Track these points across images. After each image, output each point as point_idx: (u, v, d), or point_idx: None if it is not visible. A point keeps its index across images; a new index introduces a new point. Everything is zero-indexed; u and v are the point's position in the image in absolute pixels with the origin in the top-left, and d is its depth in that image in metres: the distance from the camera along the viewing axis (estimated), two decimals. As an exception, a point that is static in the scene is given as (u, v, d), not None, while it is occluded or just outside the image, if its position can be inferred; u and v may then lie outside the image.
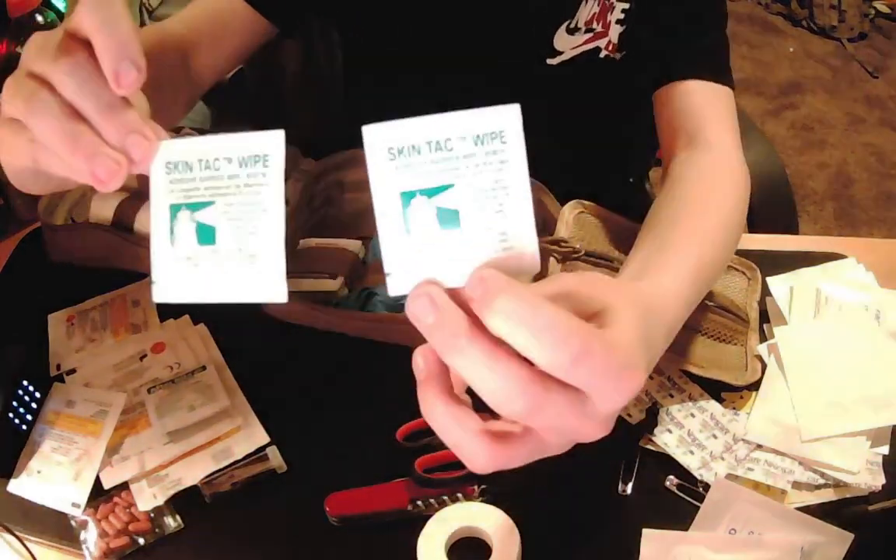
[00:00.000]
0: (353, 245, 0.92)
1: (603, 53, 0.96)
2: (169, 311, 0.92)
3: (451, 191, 0.42)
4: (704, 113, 0.87)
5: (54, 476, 0.78)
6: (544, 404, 0.42)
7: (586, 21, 0.93)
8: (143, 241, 0.94)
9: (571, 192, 0.93)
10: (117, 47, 0.45)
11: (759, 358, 0.83)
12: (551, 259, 0.83)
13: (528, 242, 0.41)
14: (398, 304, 0.86)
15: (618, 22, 0.94)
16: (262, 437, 0.80)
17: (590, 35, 0.94)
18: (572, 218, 0.87)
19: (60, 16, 1.26)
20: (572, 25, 0.94)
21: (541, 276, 0.89)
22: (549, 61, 0.96)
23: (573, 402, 0.43)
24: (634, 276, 0.64)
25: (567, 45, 0.95)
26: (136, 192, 0.98)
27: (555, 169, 0.91)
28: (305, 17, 1.11)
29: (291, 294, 0.91)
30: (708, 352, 0.83)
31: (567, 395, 0.42)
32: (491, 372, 0.42)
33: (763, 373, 0.82)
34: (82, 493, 0.76)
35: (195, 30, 0.93)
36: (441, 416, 0.47)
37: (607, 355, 0.41)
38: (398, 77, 1.03)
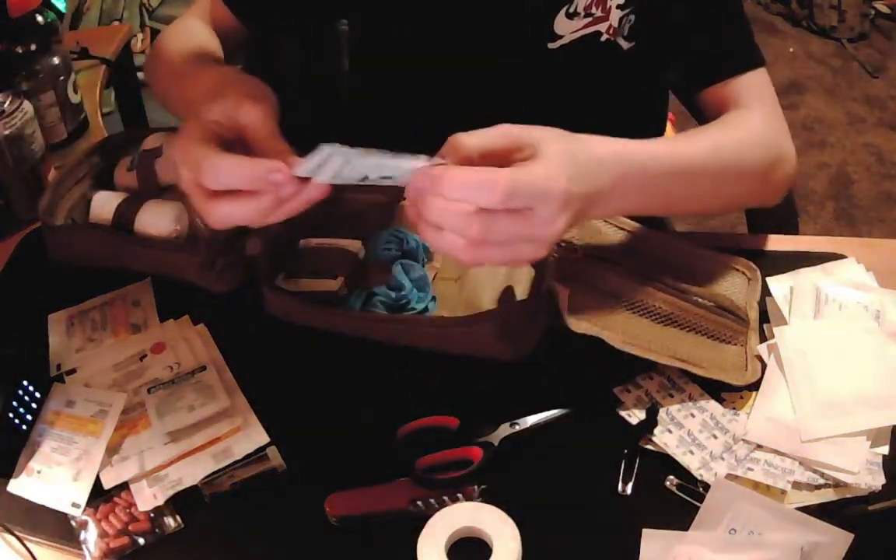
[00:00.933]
0: (353, 245, 0.92)
1: (604, 37, 0.96)
2: (169, 312, 0.92)
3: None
4: (744, 103, 0.94)
5: (54, 476, 0.78)
6: (492, 225, 0.64)
7: (585, 6, 0.94)
8: (143, 242, 0.94)
9: None
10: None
11: (759, 358, 0.83)
12: (551, 259, 0.83)
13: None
14: (398, 305, 0.86)
15: (618, 7, 0.94)
16: (262, 438, 0.80)
17: (589, 19, 0.95)
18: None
19: (60, 16, 1.26)
20: (571, 10, 0.94)
21: (539, 276, 0.89)
22: (549, 46, 0.96)
23: (516, 219, 0.65)
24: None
25: (567, 28, 0.95)
26: (136, 193, 0.98)
27: None
28: (301, 19, 1.13)
29: (291, 294, 0.92)
30: (708, 352, 0.83)
31: (510, 216, 0.65)
32: (453, 214, 0.65)
33: (763, 373, 0.82)
34: (82, 493, 0.76)
35: (213, 34, 1.03)
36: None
37: (529, 180, 0.65)
38: (400, 70, 1.03)
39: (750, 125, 0.92)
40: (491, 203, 0.63)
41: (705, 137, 0.89)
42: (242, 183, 0.68)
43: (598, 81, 1.00)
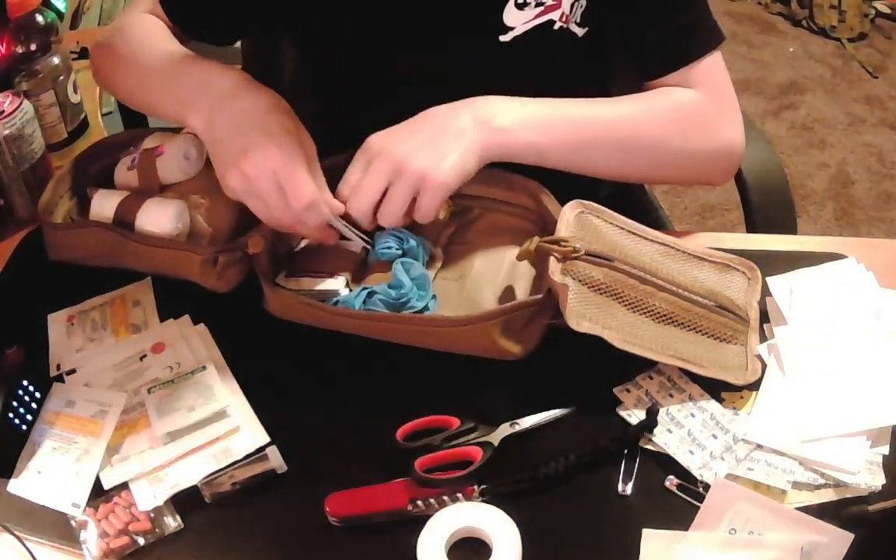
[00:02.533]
0: (354, 245, 0.92)
1: (557, 25, 0.95)
2: (169, 311, 0.92)
3: None
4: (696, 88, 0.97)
5: (54, 476, 0.78)
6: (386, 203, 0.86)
7: None
8: (143, 240, 0.94)
9: (560, 180, 0.93)
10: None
11: (760, 357, 0.83)
12: (551, 259, 0.83)
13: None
14: (398, 303, 0.86)
15: None
16: (262, 437, 0.80)
17: (541, 8, 0.94)
18: (573, 218, 0.87)
19: (60, 16, 1.26)
20: (520, 0, 0.93)
21: (540, 275, 0.89)
22: (501, 38, 0.95)
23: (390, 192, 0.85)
24: None
25: (518, 20, 0.94)
26: (137, 191, 0.98)
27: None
28: (247, 32, 1.20)
29: (292, 292, 0.92)
30: (708, 351, 0.83)
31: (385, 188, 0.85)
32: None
33: (763, 372, 0.82)
34: (82, 492, 0.76)
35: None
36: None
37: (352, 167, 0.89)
38: (359, 68, 1.03)
39: (671, 103, 0.96)
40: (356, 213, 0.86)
41: (614, 104, 0.95)
42: (303, 212, 0.84)
43: (554, 69, 1.00)
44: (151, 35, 1.01)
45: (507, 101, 0.89)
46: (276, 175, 0.82)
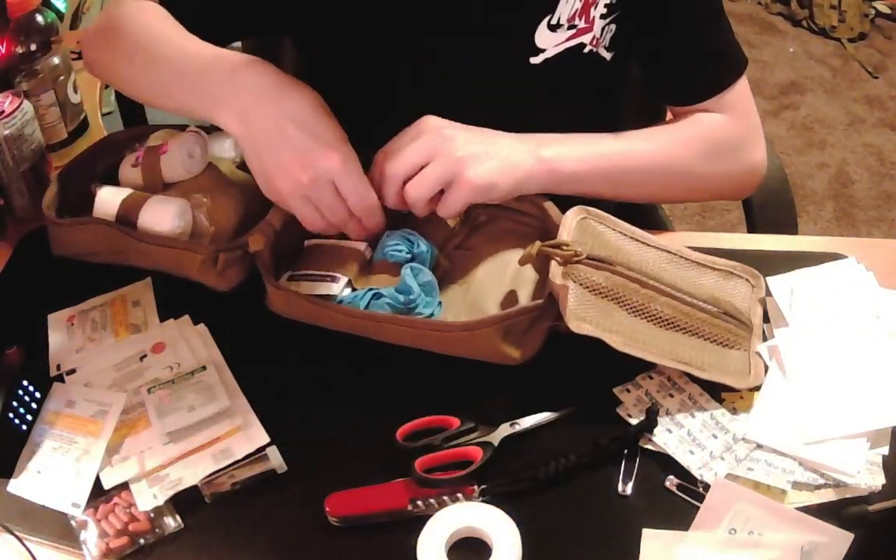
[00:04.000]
0: (359, 245, 0.92)
1: (588, 49, 0.95)
2: (170, 311, 0.92)
3: None
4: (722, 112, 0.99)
5: (54, 476, 0.78)
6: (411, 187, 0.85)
7: (569, 17, 0.93)
8: (146, 237, 0.94)
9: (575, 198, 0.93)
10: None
11: (762, 361, 0.83)
12: (553, 262, 0.83)
13: None
14: (406, 308, 0.86)
15: (602, 16, 0.94)
16: (262, 438, 0.80)
17: (573, 31, 0.94)
18: (575, 223, 0.87)
19: (60, 16, 1.26)
20: (553, 21, 0.93)
21: (542, 280, 0.89)
22: (531, 60, 0.95)
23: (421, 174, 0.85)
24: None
25: (550, 42, 0.94)
26: (141, 189, 0.98)
27: None
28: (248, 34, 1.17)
29: (293, 292, 0.91)
30: (711, 356, 0.82)
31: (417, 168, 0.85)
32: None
33: (764, 374, 0.82)
34: (82, 492, 0.76)
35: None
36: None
37: (396, 142, 0.88)
38: (385, 83, 1.02)
39: (704, 132, 0.97)
40: (390, 177, 0.85)
41: (651, 136, 0.96)
42: (366, 215, 0.86)
43: (579, 92, 1.00)
44: (158, 23, 0.95)
45: (552, 137, 0.91)
46: (333, 181, 0.82)
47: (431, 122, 0.87)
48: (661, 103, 1.05)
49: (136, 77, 0.96)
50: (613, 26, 0.95)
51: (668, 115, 1.08)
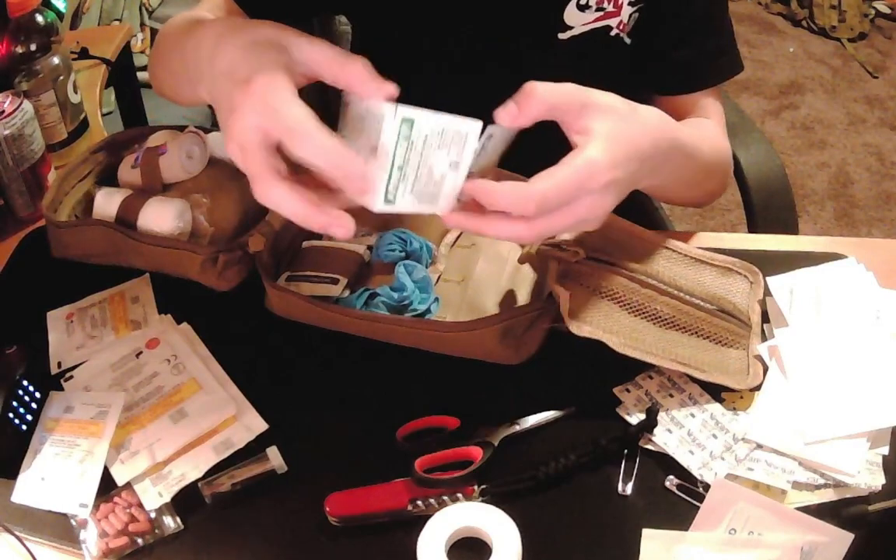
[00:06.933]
0: (358, 246, 0.92)
1: (614, 32, 0.97)
2: (169, 307, 0.92)
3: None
4: (702, 114, 1.01)
5: (59, 480, 0.77)
6: (534, 226, 0.68)
7: (597, 0, 0.94)
8: (145, 238, 0.94)
9: None
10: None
11: (761, 361, 0.83)
12: (552, 263, 0.83)
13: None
14: (400, 306, 0.86)
15: (630, 3, 0.95)
16: (259, 425, 0.80)
17: (601, 14, 0.95)
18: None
19: (60, 16, 1.26)
20: (582, 2, 0.94)
21: (542, 279, 0.89)
22: (560, 35, 0.96)
23: (559, 214, 0.68)
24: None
25: (578, 20, 0.96)
26: (140, 190, 0.98)
27: (567, 150, 0.92)
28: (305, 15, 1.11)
29: (293, 292, 0.91)
30: (710, 356, 0.82)
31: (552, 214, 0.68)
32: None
33: (764, 374, 0.82)
34: (89, 492, 0.76)
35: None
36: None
37: (561, 185, 0.67)
38: (409, 58, 1.02)
39: (715, 131, 1.00)
40: (528, 213, 0.67)
41: (702, 132, 0.96)
42: (329, 165, 0.62)
43: (601, 75, 1.00)
44: (181, 18, 0.92)
45: (647, 178, 0.81)
46: (261, 126, 0.62)
47: (598, 180, 0.69)
48: (651, 92, 1.04)
49: (166, 80, 0.93)
50: (637, 14, 0.97)
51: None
